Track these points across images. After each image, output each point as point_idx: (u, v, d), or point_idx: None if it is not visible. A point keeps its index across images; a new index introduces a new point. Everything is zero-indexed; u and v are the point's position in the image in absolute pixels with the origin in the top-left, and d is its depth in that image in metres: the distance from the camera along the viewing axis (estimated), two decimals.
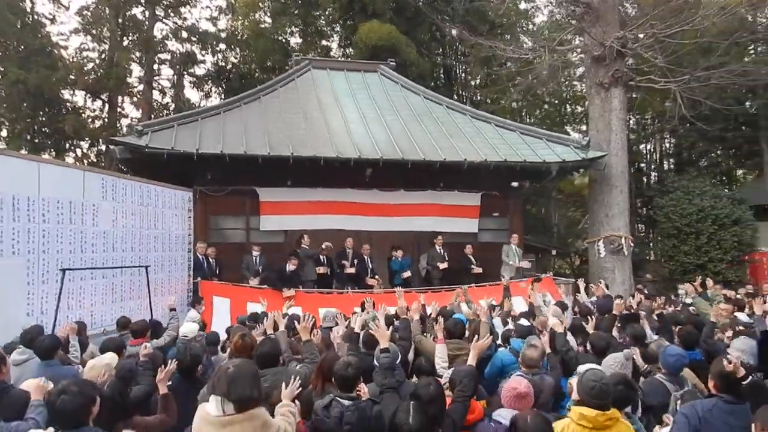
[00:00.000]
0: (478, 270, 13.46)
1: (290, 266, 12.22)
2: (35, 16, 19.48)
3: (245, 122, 13.90)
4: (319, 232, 13.24)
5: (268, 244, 13.38)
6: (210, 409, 2.61)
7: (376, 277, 13.10)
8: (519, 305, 10.03)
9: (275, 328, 5.85)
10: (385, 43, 20.30)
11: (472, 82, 28.14)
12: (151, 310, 9.15)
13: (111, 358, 4.61)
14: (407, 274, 13.14)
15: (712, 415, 4.03)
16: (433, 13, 23.77)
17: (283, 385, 3.69)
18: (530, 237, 17.44)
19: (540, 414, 3.53)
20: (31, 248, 7.39)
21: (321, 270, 12.56)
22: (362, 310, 7.68)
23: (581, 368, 4.04)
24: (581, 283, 11.01)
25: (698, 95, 16.23)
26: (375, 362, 4.79)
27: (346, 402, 3.85)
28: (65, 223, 8.05)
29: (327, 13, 24.37)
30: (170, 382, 4.59)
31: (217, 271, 12.25)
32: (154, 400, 4.60)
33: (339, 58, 21.85)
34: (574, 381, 4.02)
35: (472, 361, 4.62)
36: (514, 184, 14.54)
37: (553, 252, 20.15)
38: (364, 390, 4.09)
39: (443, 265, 13.30)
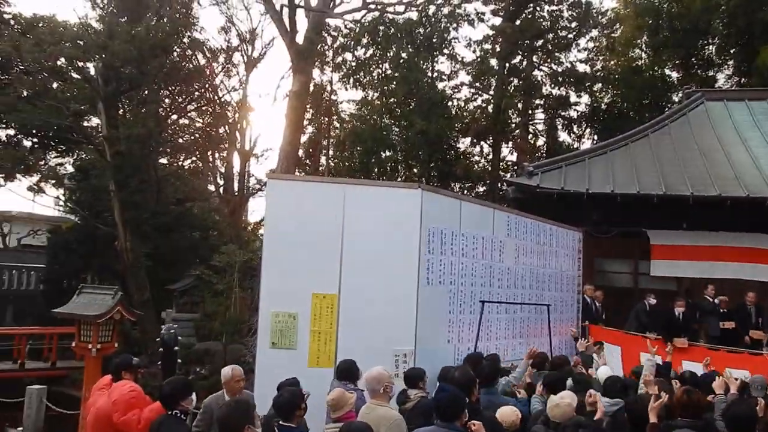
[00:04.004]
0: None
1: (678, 309, 11.04)
2: (434, 74, 22.23)
3: (634, 161, 13.29)
4: (723, 282, 11.75)
5: (659, 291, 12.37)
6: None
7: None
8: None
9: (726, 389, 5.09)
10: None
11: None
12: (551, 349, 9.09)
13: (572, 397, 4.51)
14: None
15: None
16: None
17: None
18: None
19: None
20: (452, 279, 7.97)
21: (727, 324, 11.01)
22: None
23: None
24: None
25: None
26: None
27: None
28: (478, 258, 8.53)
29: (716, 40, 22.20)
30: None
31: (603, 316, 11.77)
32: None
33: (734, 88, 19.61)
34: None
35: None
36: None
37: None
38: None
39: None
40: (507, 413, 4.35)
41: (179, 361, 5.63)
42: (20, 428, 10.12)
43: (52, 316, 11.79)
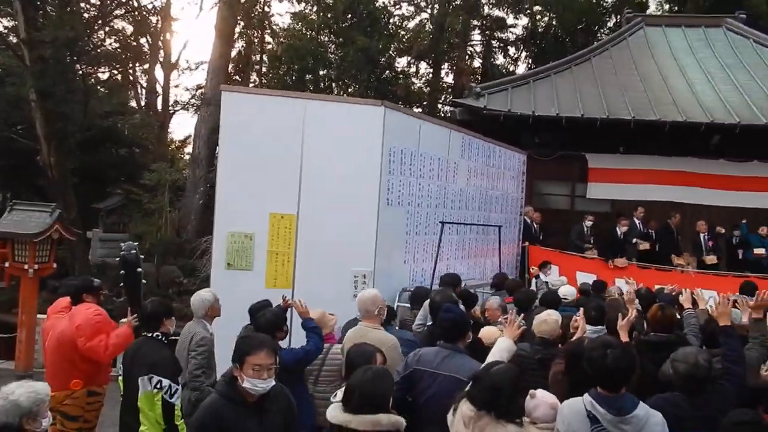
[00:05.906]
0: None
1: (621, 228, 11.42)
2: None
3: (577, 84, 13.41)
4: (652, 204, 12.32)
5: (594, 214, 12.80)
6: None
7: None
8: None
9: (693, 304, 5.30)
10: None
11: None
12: (500, 269, 9.31)
13: (557, 315, 4.56)
14: (760, 250, 11.31)
15: None
16: None
17: None
18: None
19: None
20: (410, 200, 7.91)
21: (643, 246, 11.56)
22: None
23: None
24: None
25: None
26: None
27: None
28: (434, 179, 8.48)
29: None
30: None
31: (540, 237, 12.13)
32: None
33: (672, 14, 19.86)
34: None
35: None
36: None
37: None
38: None
39: None
40: (492, 331, 4.36)
41: (144, 281, 5.34)
42: None
43: None
